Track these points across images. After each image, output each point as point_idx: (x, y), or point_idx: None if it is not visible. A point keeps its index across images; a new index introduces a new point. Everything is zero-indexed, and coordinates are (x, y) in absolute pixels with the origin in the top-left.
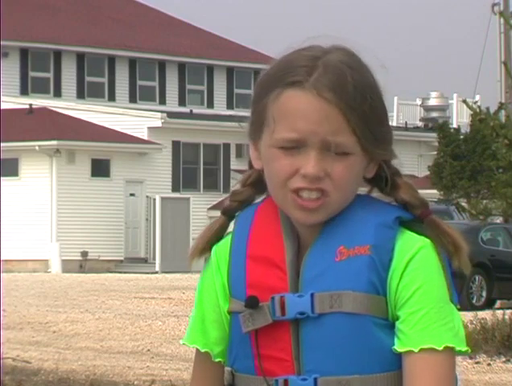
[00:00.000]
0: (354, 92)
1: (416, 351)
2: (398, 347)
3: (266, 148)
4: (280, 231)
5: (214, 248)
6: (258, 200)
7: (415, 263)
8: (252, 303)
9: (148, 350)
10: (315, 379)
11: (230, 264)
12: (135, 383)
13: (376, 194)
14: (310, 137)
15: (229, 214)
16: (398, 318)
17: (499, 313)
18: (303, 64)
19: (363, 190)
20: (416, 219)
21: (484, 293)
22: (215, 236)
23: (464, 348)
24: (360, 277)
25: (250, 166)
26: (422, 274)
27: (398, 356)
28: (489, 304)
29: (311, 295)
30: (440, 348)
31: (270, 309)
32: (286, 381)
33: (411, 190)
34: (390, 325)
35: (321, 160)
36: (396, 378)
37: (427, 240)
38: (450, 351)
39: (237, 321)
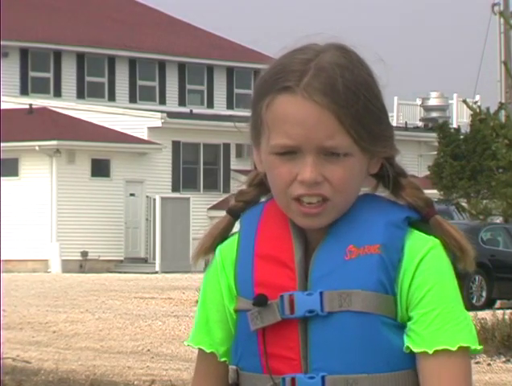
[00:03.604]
0: (346, 93)
1: (431, 352)
2: (413, 347)
3: (265, 155)
4: (288, 229)
5: (218, 249)
6: (263, 200)
7: (427, 263)
8: (261, 301)
9: (148, 350)
10: (323, 378)
11: (237, 262)
12: (135, 383)
13: (384, 193)
14: (305, 143)
15: (234, 214)
16: (410, 319)
17: (499, 313)
18: (295, 69)
19: (368, 189)
20: (423, 219)
21: (484, 293)
22: (220, 235)
23: (479, 347)
24: (369, 276)
25: (255, 166)
26: (434, 274)
27: (407, 356)
28: (489, 304)
29: (321, 293)
30: (454, 349)
31: (278, 307)
32: (293, 379)
33: (415, 190)
34: (398, 325)
35: (318, 164)
36: (404, 378)
37: (437, 240)
38: (465, 351)
39: (244, 319)
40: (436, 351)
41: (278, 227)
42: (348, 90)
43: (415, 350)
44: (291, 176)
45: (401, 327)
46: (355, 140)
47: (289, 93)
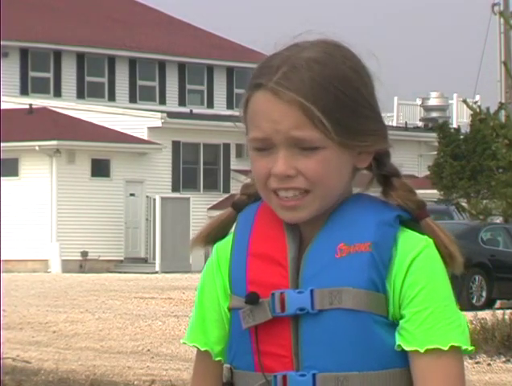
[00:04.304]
0: (314, 87)
1: (422, 351)
2: (405, 345)
3: (249, 151)
4: (282, 228)
5: (216, 247)
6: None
7: (420, 262)
8: (252, 299)
9: (148, 350)
10: (314, 376)
11: (231, 261)
12: (135, 383)
13: (376, 193)
14: (274, 136)
15: (237, 207)
16: (402, 317)
17: (499, 313)
18: (271, 65)
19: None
20: (414, 219)
21: (484, 293)
22: (218, 226)
23: (470, 347)
24: (360, 274)
25: None
26: (427, 273)
27: (399, 354)
28: (489, 304)
29: (311, 291)
30: (446, 348)
31: (270, 305)
32: (284, 377)
33: (407, 193)
34: (389, 323)
35: (290, 158)
36: (396, 376)
37: (430, 240)
38: (457, 351)
39: (238, 317)
40: (428, 350)
41: (272, 225)
42: (316, 84)
43: (407, 348)
44: (267, 170)
45: (392, 325)
46: (325, 133)
47: (261, 90)
